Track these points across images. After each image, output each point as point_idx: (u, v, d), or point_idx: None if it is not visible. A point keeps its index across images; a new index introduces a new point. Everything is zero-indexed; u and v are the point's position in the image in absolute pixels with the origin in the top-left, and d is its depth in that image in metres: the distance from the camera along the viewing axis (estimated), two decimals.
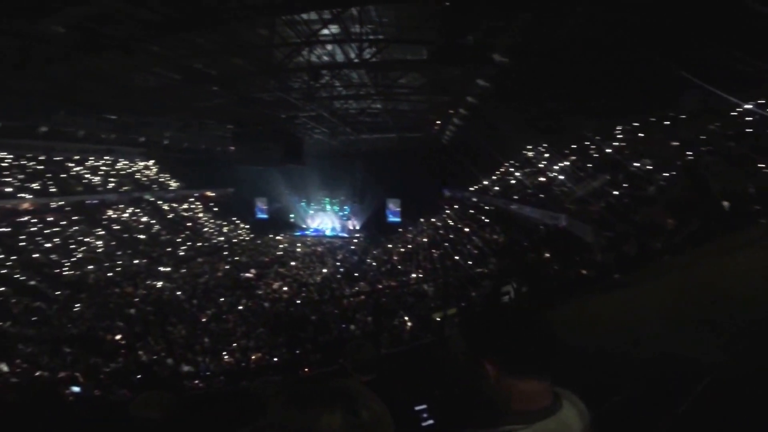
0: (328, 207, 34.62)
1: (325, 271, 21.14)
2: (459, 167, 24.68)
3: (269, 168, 25.77)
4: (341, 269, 21.43)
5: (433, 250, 21.51)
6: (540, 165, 19.69)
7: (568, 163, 17.19)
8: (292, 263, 22.42)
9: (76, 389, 7.86)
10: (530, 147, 21.29)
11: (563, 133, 17.77)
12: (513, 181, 21.26)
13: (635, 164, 12.75)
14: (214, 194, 33.21)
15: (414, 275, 18.77)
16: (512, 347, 1.07)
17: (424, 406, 2.26)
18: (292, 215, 34.52)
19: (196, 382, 8.73)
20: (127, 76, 11.46)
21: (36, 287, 16.44)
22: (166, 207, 28.18)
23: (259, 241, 29.67)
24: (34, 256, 18.12)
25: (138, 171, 28.59)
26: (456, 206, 26.77)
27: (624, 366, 2.34)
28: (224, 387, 7.90)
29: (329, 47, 10.86)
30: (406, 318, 11.46)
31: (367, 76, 13.77)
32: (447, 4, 7.65)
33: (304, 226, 34.24)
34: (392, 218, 33.29)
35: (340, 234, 33.20)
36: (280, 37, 9.44)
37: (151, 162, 29.63)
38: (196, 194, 31.60)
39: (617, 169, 13.50)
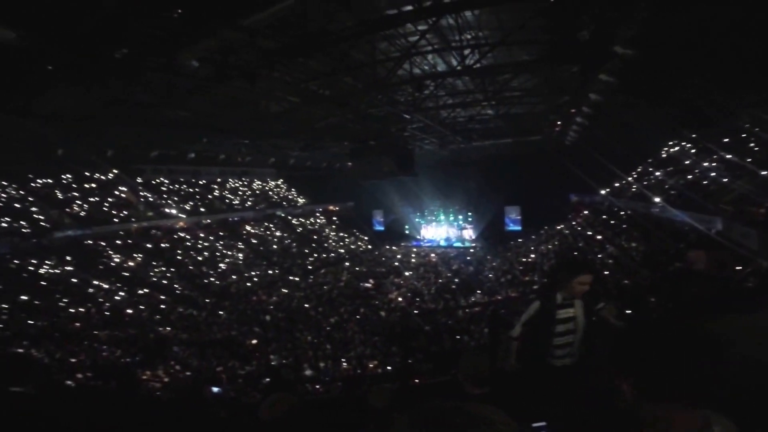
0: (442, 217, 34.41)
1: (440, 281, 20.96)
2: (587, 169, 22.56)
3: (384, 180, 26.65)
4: (456, 279, 20.99)
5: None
6: (686, 162, 17.07)
7: (720, 159, 14.55)
8: (407, 273, 22.68)
9: (215, 390, 8.85)
10: (672, 143, 18.59)
11: (712, 126, 15.18)
12: (653, 182, 18.69)
13: None
14: (336, 208, 35.47)
15: (537, 286, 17.63)
16: (653, 367, 0.95)
17: (543, 424, 2.01)
18: (406, 226, 35.13)
19: (317, 386, 9.20)
20: (255, 102, 12.83)
21: (189, 296, 18.92)
22: (294, 221, 30.88)
23: (376, 252, 30.78)
24: (189, 268, 21.16)
25: (270, 189, 31.99)
26: (585, 212, 24.47)
27: None
28: (341, 392, 8.18)
29: (430, 58, 10.87)
30: None
31: (472, 83, 13.44)
32: (551, 0, 7.07)
33: (419, 237, 34.53)
34: (512, 226, 31.80)
35: (455, 244, 32.69)
36: (381, 53, 9.70)
37: (280, 181, 33.02)
38: (320, 209, 34.11)
39: None
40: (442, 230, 34.19)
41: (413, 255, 28.96)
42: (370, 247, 32.68)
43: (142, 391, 7.89)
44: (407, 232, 35.06)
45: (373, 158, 19.49)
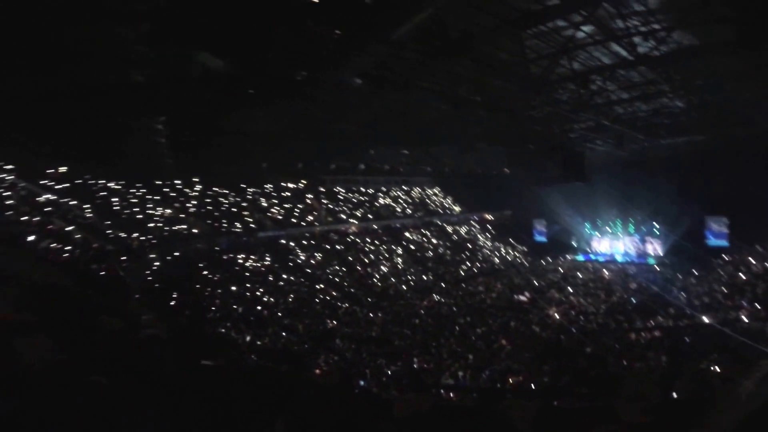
0: (620, 228, 30.08)
1: (612, 299, 18.49)
2: None
3: (548, 187, 24.78)
4: (633, 299, 18.16)
5: None
6: None
7: None
8: (571, 289, 20.53)
9: (362, 383, 9.46)
10: None
11: None
12: None
13: None
14: (492, 217, 34.44)
15: (745, 312, 14.19)
16: None
17: None
18: (574, 238, 31.75)
19: (451, 394, 9.03)
20: (410, 112, 13.45)
21: (355, 294, 20.65)
22: (450, 229, 31.08)
23: (536, 264, 28.75)
24: (356, 268, 23.19)
25: (427, 197, 32.94)
26: None
27: None
28: (476, 403, 7.87)
29: (591, 50, 9.76)
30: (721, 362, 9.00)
31: (651, 73, 11.59)
32: None
33: (588, 250, 30.82)
34: (715, 240, 26.07)
35: (636, 260, 28.23)
36: (531, 51, 9.11)
37: (437, 189, 33.72)
38: (475, 217, 33.61)
39: None
40: (619, 243, 29.89)
41: (581, 270, 26.03)
42: (528, 258, 30.72)
43: (307, 376, 8.92)
44: (574, 244, 31.57)
45: (534, 163, 18.37)
